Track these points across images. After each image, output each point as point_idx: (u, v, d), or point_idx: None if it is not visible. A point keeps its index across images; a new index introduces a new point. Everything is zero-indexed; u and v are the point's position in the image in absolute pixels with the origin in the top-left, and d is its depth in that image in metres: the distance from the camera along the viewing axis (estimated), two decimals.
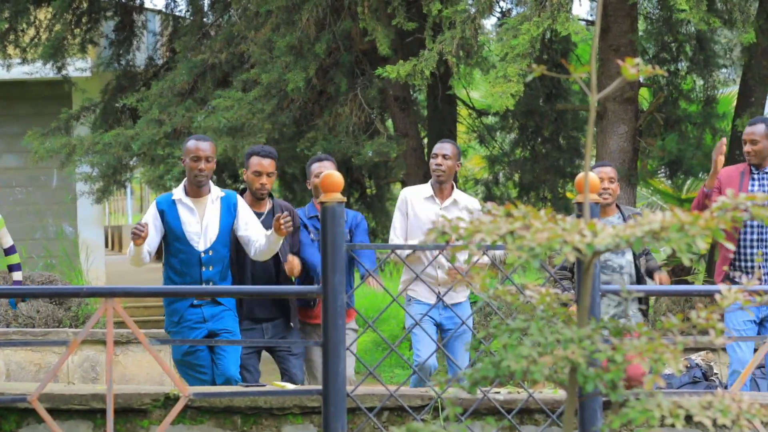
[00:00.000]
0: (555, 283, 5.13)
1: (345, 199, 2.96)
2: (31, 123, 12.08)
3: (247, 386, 4.82)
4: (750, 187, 5.84)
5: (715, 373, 6.79)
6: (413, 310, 6.00)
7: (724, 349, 6.92)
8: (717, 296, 2.00)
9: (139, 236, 5.06)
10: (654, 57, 10.21)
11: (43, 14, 11.72)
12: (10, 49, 11.54)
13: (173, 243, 5.36)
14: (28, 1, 11.20)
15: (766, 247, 5.85)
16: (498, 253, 6.15)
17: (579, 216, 3.04)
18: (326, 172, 2.97)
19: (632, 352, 1.87)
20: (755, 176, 5.87)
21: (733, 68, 11.63)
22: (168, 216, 5.35)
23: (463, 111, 12.86)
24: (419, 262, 6.00)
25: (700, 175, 11.02)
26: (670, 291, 6.34)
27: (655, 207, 13.20)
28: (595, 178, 3.14)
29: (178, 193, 5.41)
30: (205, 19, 11.75)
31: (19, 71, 12.01)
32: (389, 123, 11.01)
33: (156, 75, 12.02)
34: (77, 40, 11.61)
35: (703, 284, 9.62)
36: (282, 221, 5.06)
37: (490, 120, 12.96)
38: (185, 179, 5.47)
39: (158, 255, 5.69)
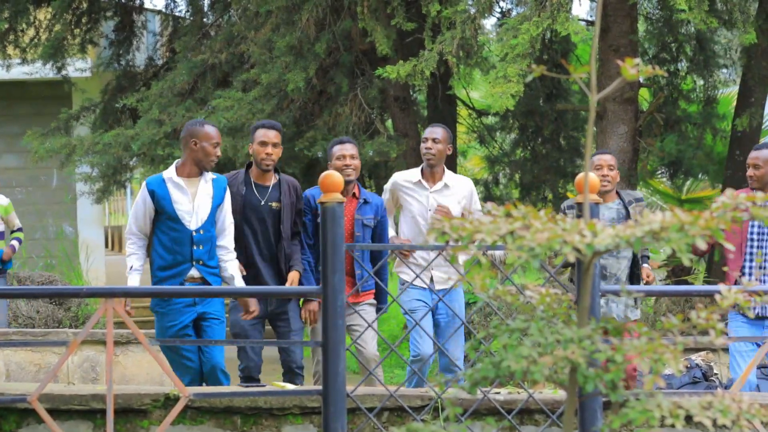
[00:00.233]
0: (555, 284, 5.14)
1: (345, 199, 2.96)
2: (30, 123, 12.08)
3: (247, 386, 4.82)
4: None
5: (715, 374, 6.79)
6: (408, 295, 5.98)
7: (724, 350, 6.92)
8: (717, 296, 2.00)
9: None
10: (654, 57, 10.21)
11: (43, 14, 11.72)
12: (10, 50, 11.55)
13: (165, 221, 5.39)
14: (28, 1, 11.20)
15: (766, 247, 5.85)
16: (498, 253, 6.16)
17: (579, 216, 3.04)
18: (326, 173, 2.97)
19: (632, 352, 1.87)
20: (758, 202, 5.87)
21: (733, 68, 11.63)
22: (158, 195, 5.39)
23: (463, 111, 12.86)
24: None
25: (699, 176, 11.04)
26: (671, 291, 6.34)
27: (655, 207, 13.20)
28: (596, 178, 3.14)
29: (169, 172, 5.46)
30: (205, 20, 11.76)
31: (19, 71, 12.01)
32: (389, 123, 11.01)
33: (156, 75, 12.02)
34: (77, 41, 11.61)
35: (703, 284, 9.63)
36: (248, 317, 5.39)
37: (490, 120, 12.96)
38: (180, 160, 5.51)
39: None
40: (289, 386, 4.78)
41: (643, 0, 10.45)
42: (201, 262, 5.40)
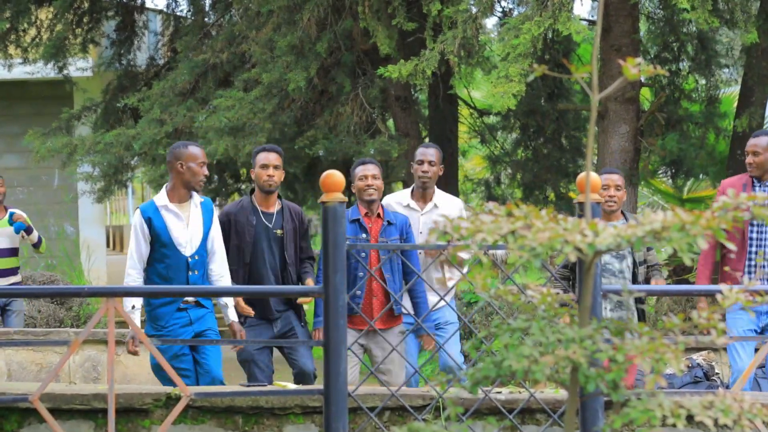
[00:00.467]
0: (556, 283, 5.13)
1: (346, 199, 2.97)
2: (31, 123, 12.09)
3: (248, 386, 4.82)
4: None
5: (717, 373, 6.79)
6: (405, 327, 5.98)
7: (725, 349, 6.92)
8: (718, 296, 2.00)
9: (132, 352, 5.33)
10: (655, 57, 10.20)
11: (45, 14, 11.73)
12: (12, 49, 11.55)
13: (159, 249, 5.38)
14: (29, 0, 11.20)
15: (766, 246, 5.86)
16: (499, 252, 6.16)
17: (580, 216, 3.03)
18: (327, 172, 2.97)
19: (634, 351, 1.87)
20: (757, 188, 5.91)
21: (735, 68, 11.62)
22: (155, 223, 5.38)
23: (464, 110, 12.86)
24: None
25: (700, 176, 11.03)
26: (672, 291, 6.34)
27: (657, 207, 13.20)
28: (597, 178, 3.14)
29: (161, 199, 5.44)
30: (206, 19, 11.76)
31: (20, 71, 12.02)
32: (390, 123, 11.02)
33: (157, 75, 12.03)
34: (78, 40, 11.62)
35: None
36: (238, 335, 5.40)
37: (492, 120, 12.96)
38: (167, 185, 5.50)
39: None
40: (291, 386, 4.78)
41: (645, 0, 10.45)
42: None
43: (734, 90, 11.42)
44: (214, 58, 10.29)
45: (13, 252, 8.18)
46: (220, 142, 9.35)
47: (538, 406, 4.09)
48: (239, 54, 10.31)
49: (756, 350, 6.09)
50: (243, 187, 13.39)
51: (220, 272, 5.48)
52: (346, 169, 10.53)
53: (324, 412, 2.87)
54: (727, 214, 1.87)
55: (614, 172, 6.10)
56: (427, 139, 11.46)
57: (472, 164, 15.68)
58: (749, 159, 5.89)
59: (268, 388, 4.58)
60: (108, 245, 21.90)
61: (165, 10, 12.89)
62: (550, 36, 10.16)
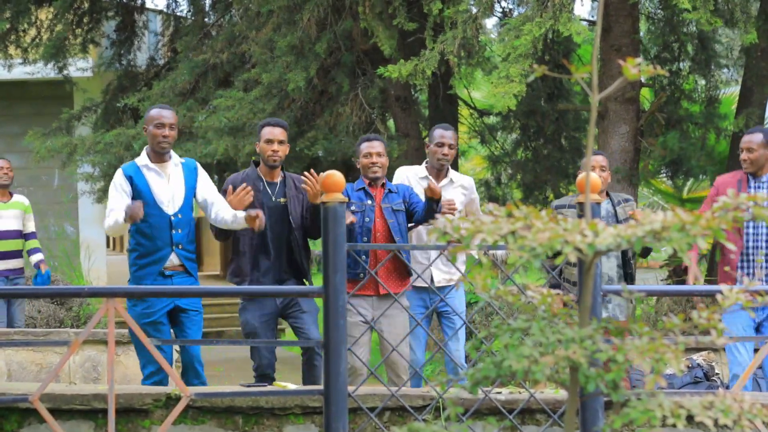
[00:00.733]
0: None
1: (346, 199, 2.96)
2: (31, 123, 12.09)
3: (248, 386, 4.82)
4: None
5: (717, 374, 6.79)
6: (408, 300, 6.00)
7: (725, 349, 6.93)
8: (718, 296, 2.00)
9: (135, 220, 5.21)
10: (655, 57, 10.20)
11: (45, 14, 11.73)
12: (12, 49, 11.55)
13: (143, 208, 5.42)
14: (29, 1, 11.20)
15: (765, 247, 5.88)
16: (499, 252, 6.16)
17: (580, 216, 3.03)
18: (327, 172, 2.97)
19: (634, 352, 1.87)
20: (752, 184, 5.94)
21: (735, 68, 11.62)
22: (136, 181, 5.46)
23: (464, 111, 12.86)
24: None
25: (700, 176, 11.03)
26: (672, 291, 6.34)
27: (657, 207, 13.20)
28: (597, 178, 3.14)
29: (142, 159, 5.55)
30: (206, 19, 11.77)
31: (20, 71, 12.02)
32: (391, 123, 11.01)
33: (157, 75, 12.04)
34: (78, 40, 11.62)
35: (704, 284, 9.62)
36: (258, 222, 5.26)
37: (492, 120, 12.96)
38: (146, 147, 5.60)
39: None
40: (291, 386, 4.78)
41: (645, 0, 10.45)
42: (180, 246, 5.49)
43: (734, 90, 11.42)
44: (214, 58, 10.29)
45: (18, 234, 8.31)
46: (220, 142, 9.35)
47: (538, 406, 4.09)
48: (239, 54, 10.31)
49: (755, 350, 6.10)
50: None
51: (227, 208, 5.52)
52: (346, 169, 10.57)
53: (324, 412, 2.87)
54: (727, 214, 1.87)
55: (598, 153, 6.26)
56: (427, 140, 11.45)
57: (472, 164, 15.68)
58: (744, 155, 5.93)
59: (268, 388, 4.58)
60: (108, 245, 21.91)
61: (165, 10, 12.89)
62: (551, 37, 10.16)
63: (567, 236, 1.83)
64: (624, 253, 6.07)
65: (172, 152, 5.63)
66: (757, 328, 5.93)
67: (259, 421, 4.22)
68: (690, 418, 1.90)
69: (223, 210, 5.54)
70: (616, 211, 6.18)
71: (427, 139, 6.26)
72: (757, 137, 5.93)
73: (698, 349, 7.13)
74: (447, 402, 2.05)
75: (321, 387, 2.87)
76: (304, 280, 5.80)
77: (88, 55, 12.02)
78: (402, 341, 5.71)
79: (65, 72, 11.64)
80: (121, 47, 12.36)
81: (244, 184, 5.54)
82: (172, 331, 5.54)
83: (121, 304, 3.03)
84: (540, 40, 7.72)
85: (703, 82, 10.60)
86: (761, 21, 8.90)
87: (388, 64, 8.41)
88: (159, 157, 5.56)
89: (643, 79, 9.36)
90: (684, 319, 1.95)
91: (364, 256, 5.69)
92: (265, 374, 5.66)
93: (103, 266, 13.78)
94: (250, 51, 9.87)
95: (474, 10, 8.24)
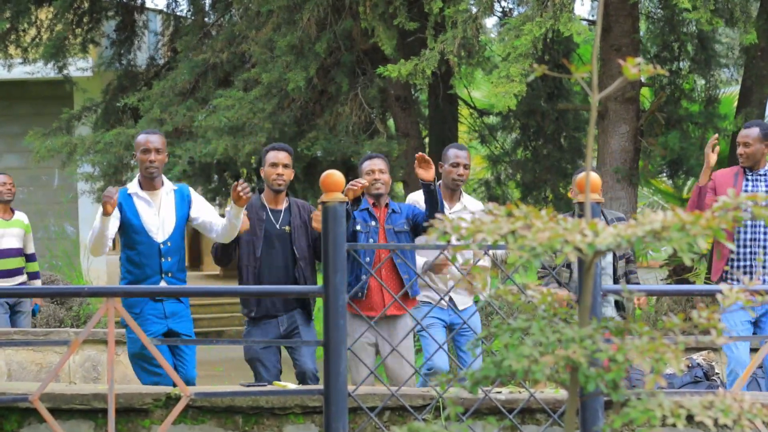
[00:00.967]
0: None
1: (346, 199, 2.96)
2: (31, 123, 12.09)
3: (248, 386, 4.82)
4: (744, 189, 5.91)
5: (717, 373, 6.79)
6: (422, 313, 5.99)
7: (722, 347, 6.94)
8: (718, 296, 2.00)
9: (109, 202, 5.12)
10: (655, 56, 10.20)
11: (45, 14, 11.73)
12: (12, 49, 11.55)
13: (131, 236, 5.46)
14: (29, 0, 11.21)
15: (759, 246, 5.88)
16: (499, 252, 6.15)
17: (580, 216, 3.03)
18: (327, 172, 2.97)
19: (634, 351, 1.87)
20: (749, 177, 5.95)
21: (735, 68, 11.62)
22: (125, 208, 5.46)
23: (464, 110, 12.86)
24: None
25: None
26: (671, 290, 6.35)
27: (657, 206, 13.20)
28: (597, 178, 3.14)
29: (133, 187, 5.55)
30: (206, 19, 11.77)
31: (20, 71, 12.02)
32: (390, 123, 11.01)
33: (157, 74, 12.03)
34: (78, 40, 11.62)
35: (704, 284, 9.62)
36: (240, 188, 5.19)
37: (492, 120, 12.96)
38: (138, 174, 5.61)
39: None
40: (291, 386, 4.78)
41: None
42: (170, 274, 5.48)
43: (734, 90, 11.42)
44: (214, 58, 10.29)
45: (20, 252, 8.31)
46: (219, 142, 9.35)
47: (538, 406, 4.09)
48: (239, 54, 10.31)
49: (752, 350, 6.11)
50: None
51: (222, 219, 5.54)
52: (346, 169, 10.58)
53: (324, 412, 2.87)
54: (727, 214, 1.88)
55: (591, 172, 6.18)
56: (427, 140, 11.46)
57: (472, 164, 15.67)
58: (740, 150, 5.93)
59: (268, 388, 4.59)
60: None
61: (165, 10, 12.89)
62: (551, 36, 10.16)
63: (567, 236, 1.83)
64: (615, 256, 6.07)
65: (165, 179, 5.63)
66: (756, 323, 5.94)
67: (259, 421, 4.22)
68: (690, 418, 1.90)
69: (220, 223, 5.55)
70: None
71: (441, 160, 6.18)
72: (754, 131, 5.93)
73: (698, 349, 7.13)
74: (447, 401, 2.05)
75: (321, 387, 2.87)
76: (308, 313, 5.76)
77: (88, 54, 12.02)
78: (405, 363, 5.72)
79: (65, 72, 11.64)
80: (121, 47, 12.36)
81: (241, 181, 5.52)
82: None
83: (119, 304, 3.02)
84: (540, 40, 7.72)
85: (702, 81, 10.60)
86: (762, 21, 8.90)
87: (388, 64, 8.41)
88: (150, 183, 5.54)
89: (643, 79, 9.36)
90: (684, 318, 1.95)
91: (364, 276, 5.68)
92: None
93: (103, 266, 13.77)
94: (250, 51, 9.87)
95: (474, 10, 8.24)
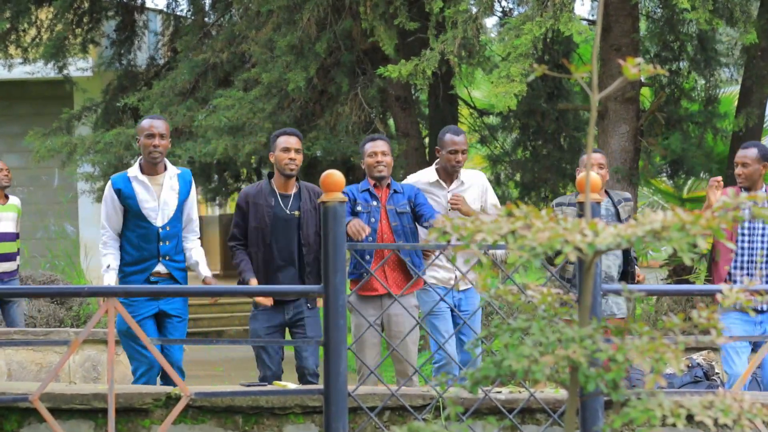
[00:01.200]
0: (556, 283, 5.14)
1: (346, 198, 2.96)
2: (32, 123, 12.09)
3: (248, 386, 4.82)
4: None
5: (717, 373, 6.79)
6: (431, 296, 5.99)
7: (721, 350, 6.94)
8: (718, 296, 2.00)
9: None
10: (656, 56, 10.20)
11: (45, 14, 11.73)
12: (12, 49, 11.56)
13: (131, 219, 5.53)
14: (29, 1, 11.21)
15: (756, 252, 5.89)
16: (499, 252, 6.15)
17: (580, 215, 3.03)
18: (327, 172, 2.96)
19: (634, 351, 1.87)
20: None
21: (735, 68, 11.62)
22: (124, 193, 5.52)
23: (464, 110, 12.86)
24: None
25: (702, 174, 11.02)
26: (672, 290, 6.35)
27: (657, 206, 13.20)
28: (597, 177, 3.14)
29: (133, 171, 5.60)
30: (206, 19, 11.78)
31: (20, 71, 12.03)
32: (390, 123, 11.01)
33: (157, 74, 12.04)
34: (78, 40, 11.63)
35: (704, 284, 9.62)
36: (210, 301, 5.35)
37: (492, 119, 12.96)
38: (140, 158, 5.64)
39: None
40: (291, 385, 4.78)
41: None
42: (168, 258, 5.55)
43: (734, 90, 11.42)
44: (214, 58, 10.30)
45: (15, 236, 8.40)
46: (219, 142, 9.35)
47: (538, 405, 4.09)
48: (239, 54, 10.32)
49: (753, 352, 6.11)
50: (243, 186, 13.39)
51: (190, 238, 5.67)
52: (346, 169, 10.57)
53: (324, 411, 2.87)
54: (727, 214, 1.88)
55: (596, 151, 6.26)
56: (427, 140, 11.45)
57: (472, 164, 15.67)
58: (738, 170, 5.90)
59: (268, 388, 4.59)
60: None
61: (165, 10, 12.90)
62: (551, 36, 10.16)
63: (567, 236, 1.83)
64: (626, 252, 6.07)
65: (168, 162, 5.66)
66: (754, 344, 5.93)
67: (259, 421, 4.23)
68: (690, 418, 1.90)
69: (188, 240, 5.66)
70: (617, 210, 6.18)
71: (437, 145, 6.18)
72: (752, 152, 5.90)
73: (698, 349, 7.13)
74: (447, 401, 2.05)
75: (321, 386, 2.87)
76: (308, 304, 5.76)
77: (88, 54, 12.02)
78: (410, 341, 5.72)
79: (65, 72, 11.65)
80: (121, 47, 12.36)
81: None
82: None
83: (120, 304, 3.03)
84: (540, 40, 7.72)
85: (702, 81, 10.60)
86: (762, 20, 8.90)
87: (388, 64, 8.41)
88: (152, 168, 5.58)
89: (642, 79, 9.36)
90: (684, 318, 1.95)
91: (368, 256, 5.70)
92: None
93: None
94: (250, 51, 9.87)
95: (474, 10, 8.24)
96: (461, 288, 6.04)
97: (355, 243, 5.73)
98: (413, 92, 10.88)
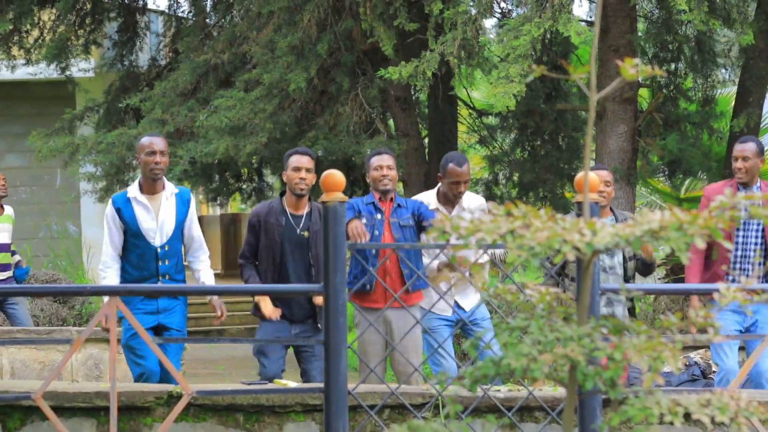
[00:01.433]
0: (551, 280, 5.16)
1: (346, 198, 2.97)
2: (34, 123, 12.12)
3: (249, 384, 4.85)
4: None
5: (714, 371, 6.82)
6: (430, 323, 6.00)
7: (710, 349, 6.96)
8: (715, 295, 2.02)
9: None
10: (653, 57, 10.22)
11: (47, 15, 11.75)
12: (15, 50, 11.57)
13: (130, 239, 5.57)
14: (32, 2, 11.22)
15: (746, 251, 5.91)
16: (498, 251, 6.16)
17: (578, 215, 3.05)
18: (327, 172, 2.98)
19: (632, 350, 1.90)
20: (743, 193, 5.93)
21: (731, 68, 11.63)
22: (124, 213, 5.56)
23: (463, 111, 12.87)
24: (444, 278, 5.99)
25: (699, 174, 11.04)
26: (670, 290, 6.37)
27: (654, 206, 13.21)
28: (595, 177, 3.16)
29: (133, 191, 5.63)
30: (207, 20, 11.78)
31: (23, 72, 12.04)
32: (390, 123, 11.03)
33: (159, 75, 12.05)
34: (81, 41, 11.64)
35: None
36: (217, 320, 5.61)
37: (491, 120, 12.97)
38: (140, 177, 5.67)
39: None
40: (292, 384, 4.80)
41: (643, 0, 10.45)
42: (167, 277, 5.58)
43: (730, 90, 11.43)
44: (215, 59, 10.31)
45: (8, 247, 8.40)
46: (220, 142, 9.37)
47: (536, 404, 4.11)
48: (240, 54, 10.33)
49: (741, 348, 6.13)
50: (244, 186, 13.40)
51: (198, 257, 5.75)
52: (347, 169, 10.59)
53: (324, 410, 2.89)
54: (724, 213, 1.89)
55: (602, 168, 6.18)
56: (426, 140, 11.46)
57: (471, 164, 15.66)
58: (739, 164, 5.89)
59: (269, 386, 4.61)
60: None
61: (167, 11, 12.90)
62: (549, 37, 10.17)
63: (565, 235, 1.85)
64: (625, 258, 6.07)
65: (166, 181, 5.68)
66: (746, 332, 5.94)
67: (259, 419, 4.25)
68: (687, 416, 1.92)
69: (197, 261, 5.75)
70: None
71: (439, 171, 6.15)
72: (750, 146, 5.91)
73: (695, 347, 7.15)
74: (446, 400, 2.08)
75: (321, 385, 2.89)
76: (317, 324, 5.76)
77: (90, 55, 12.04)
78: (412, 355, 5.74)
79: (68, 72, 11.66)
80: (123, 48, 12.37)
81: (221, 313, 5.64)
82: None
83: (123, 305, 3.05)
84: (539, 41, 7.74)
85: (699, 81, 10.61)
86: (762, 21, 8.92)
87: (389, 66, 8.42)
88: (151, 186, 5.60)
89: (640, 79, 9.38)
90: (681, 317, 1.97)
91: (369, 279, 5.71)
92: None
93: None
94: (251, 51, 9.88)
95: (473, 11, 8.25)
96: (467, 309, 6.05)
97: (355, 244, 5.73)
98: (413, 93, 10.90)
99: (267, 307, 5.62)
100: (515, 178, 11.68)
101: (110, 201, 5.65)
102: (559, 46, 10.80)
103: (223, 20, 11.73)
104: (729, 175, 9.74)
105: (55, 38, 11.31)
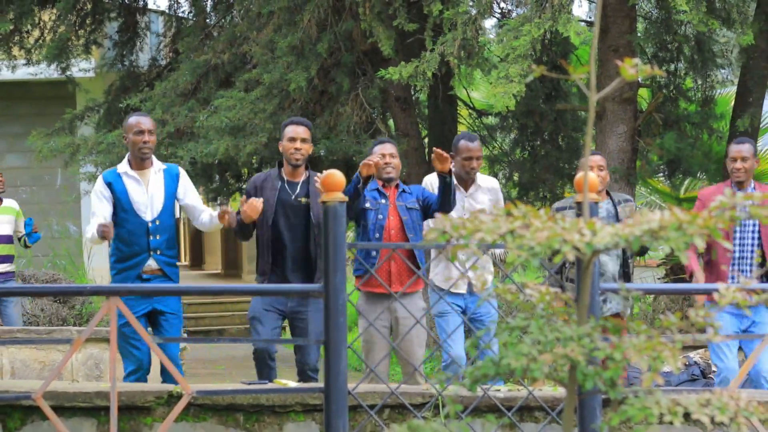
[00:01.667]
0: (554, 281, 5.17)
1: (346, 198, 2.98)
2: (34, 123, 12.12)
3: (249, 384, 4.85)
4: None
5: (714, 371, 6.82)
6: (441, 306, 6.02)
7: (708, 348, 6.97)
8: (714, 295, 2.02)
9: (107, 237, 5.36)
10: (653, 57, 10.23)
11: (48, 15, 11.75)
12: (15, 50, 11.58)
13: (120, 214, 5.60)
14: (32, 2, 11.23)
15: (744, 251, 5.92)
16: (498, 251, 6.19)
17: (578, 215, 3.06)
18: (327, 172, 2.98)
19: (631, 349, 1.90)
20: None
21: (731, 68, 11.63)
22: (115, 188, 5.60)
23: (463, 111, 12.88)
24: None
25: (699, 174, 11.04)
26: (669, 289, 6.38)
27: (654, 206, 13.22)
28: (595, 178, 3.16)
29: (123, 167, 5.69)
30: (207, 20, 11.78)
31: (23, 72, 12.05)
32: (391, 123, 11.03)
33: (159, 75, 12.06)
34: (81, 41, 11.65)
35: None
36: (227, 217, 5.44)
37: (491, 120, 12.98)
38: (128, 154, 5.72)
39: None
40: (292, 384, 4.81)
41: (642, 0, 10.46)
42: (159, 252, 5.61)
43: (730, 90, 11.43)
44: (216, 59, 10.32)
45: (10, 239, 8.43)
46: (221, 142, 9.38)
47: (536, 403, 4.12)
48: (240, 55, 10.33)
49: (739, 348, 6.13)
50: (244, 186, 13.40)
51: (203, 211, 5.79)
52: (347, 169, 10.59)
53: (324, 409, 2.89)
54: (723, 213, 1.90)
55: (595, 153, 6.36)
56: (426, 140, 11.47)
57: None
58: (738, 165, 5.91)
59: (269, 386, 4.61)
60: (110, 245, 21.83)
61: (167, 11, 12.91)
62: (549, 38, 10.18)
63: (565, 235, 1.85)
64: (623, 251, 6.10)
65: (154, 158, 5.75)
66: (744, 333, 5.96)
67: (259, 419, 4.25)
68: (687, 416, 1.92)
69: (204, 213, 5.75)
70: (617, 211, 6.21)
71: (452, 150, 6.23)
72: (748, 147, 5.95)
73: (695, 347, 7.16)
74: (446, 399, 2.08)
75: (321, 385, 2.90)
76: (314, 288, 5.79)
77: (90, 55, 12.04)
78: (416, 343, 5.75)
79: (68, 73, 11.67)
80: (123, 48, 12.38)
81: (252, 198, 5.57)
82: (151, 330, 5.63)
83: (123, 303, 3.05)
84: (538, 41, 7.74)
85: (699, 82, 10.62)
86: (761, 22, 8.92)
87: (389, 66, 8.43)
88: (140, 163, 5.67)
89: (640, 80, 9.39)
90: (681, 317, 1.97)
91: (374, 252, 5.74)
92: (261, 359, 5.67)
93: (105, 265, 13.75)
94: (251, 51, 9.89)
95: (473, 12, 8.26)
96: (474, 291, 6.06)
97: (355, 243, 5.74)
98: (413, 93, 10.90)
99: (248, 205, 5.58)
100: (515, 178, 11.68)
101: (100, 177, 5.72)
102: (558, 47, 10.80)
103: (223, 20, 11.74)
104: (728, 175, 9.74)
105: (55, 38, 11.31)
